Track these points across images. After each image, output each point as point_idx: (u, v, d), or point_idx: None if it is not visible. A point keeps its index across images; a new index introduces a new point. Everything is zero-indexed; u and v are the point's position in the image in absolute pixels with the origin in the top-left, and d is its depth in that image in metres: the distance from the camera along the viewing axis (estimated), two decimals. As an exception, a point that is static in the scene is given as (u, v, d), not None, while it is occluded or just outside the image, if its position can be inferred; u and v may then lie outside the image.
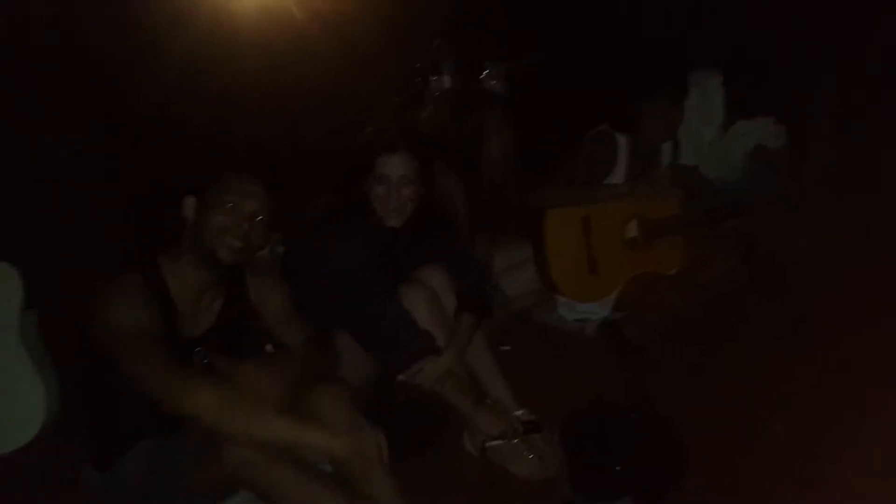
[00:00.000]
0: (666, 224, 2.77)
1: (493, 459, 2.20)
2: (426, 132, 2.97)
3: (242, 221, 1.82)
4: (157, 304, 1.75)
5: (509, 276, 2.88)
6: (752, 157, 2.96)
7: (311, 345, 1.98)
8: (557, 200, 2.71)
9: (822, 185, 2.84)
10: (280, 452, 1.66)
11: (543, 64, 3.75)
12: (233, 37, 2.94)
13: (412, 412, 2.18)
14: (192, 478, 1.68)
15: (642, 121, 2.69)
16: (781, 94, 2.86)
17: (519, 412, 2.28)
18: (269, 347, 2.28)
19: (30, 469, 2.16)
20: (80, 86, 2.88)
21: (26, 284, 2.27)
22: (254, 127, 3.03)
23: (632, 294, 2.76)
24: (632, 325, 2.73)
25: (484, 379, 2.32)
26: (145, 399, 1.64)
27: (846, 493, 1.99)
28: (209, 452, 1.64)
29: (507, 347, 2.60)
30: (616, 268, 2.77)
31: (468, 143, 3.20)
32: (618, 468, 2.08)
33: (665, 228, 2.77)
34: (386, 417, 1.99)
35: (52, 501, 2.01)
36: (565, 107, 3.46)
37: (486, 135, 3.36)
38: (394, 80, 3.56)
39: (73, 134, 2.84)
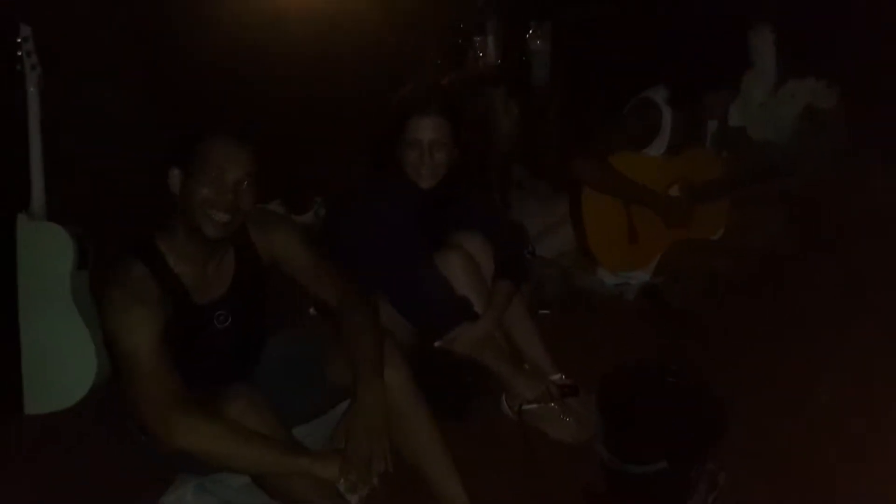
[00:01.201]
0: (709, 188, 2.71)
1: (530, 422, 2.22)
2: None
3: (227, 192, 1.73)
4: (162, 291, 1.73)
5: (545, 238, 2.85)
6: (802, 118, 2.86)
7: (351, 298, 1.95)
8: (591, 180, 2.64)
9: (870, 148, 2.74)
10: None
11: (591, 22, 3.67)
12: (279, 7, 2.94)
13: (449, 377, 2.19)
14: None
15: (701, 97, 2.60)
16: (835, 53, 2.75)
17: (556, 376, 2.28)
18: (311, 311, 2.33)
19: (82, 425, 2.24)
20: (127, 52, 2.92)
21: (78, 245, 2.34)
22: (293, 88, 3.03)
23: (674, 258, 2.71)
24: (673, 290, 2.69)
25: (522, 343, 2.32)
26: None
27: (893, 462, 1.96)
28: None
29: (545, 311, 2.59)
30: (657, 236, 2.72)
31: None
32: (654, 432, 2.09)
33: (708, 193, 2.71)
34: (423, 382, 1.98)
35: (103, 459, 2.07)
36: (612, 69, 3.39)
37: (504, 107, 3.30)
38: (437, 39, 3.53)
39: (124, 97, 2.88)
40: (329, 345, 1.95)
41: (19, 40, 2.30)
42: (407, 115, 2.18)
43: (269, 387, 1.86)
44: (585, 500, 2.02)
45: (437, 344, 2.16)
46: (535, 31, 3.95)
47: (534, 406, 2.22)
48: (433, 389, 2.04)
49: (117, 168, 2.74)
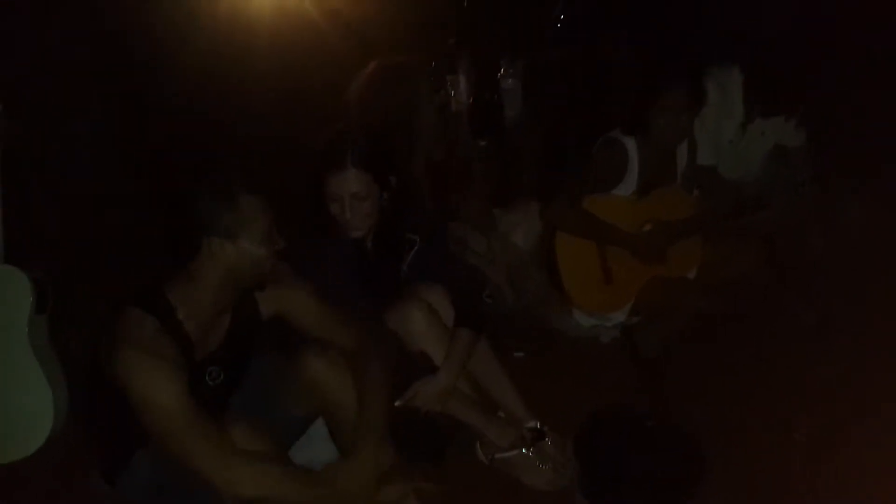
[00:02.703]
0: (681, 226, 2.71)
1: (505, 470, 2.18)
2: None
3: (272, 247, 1.76)
4: (176, 346, 1.69)
5: (513, 233, 2.82)
6: (771, 156, 2.88)
7: (367, 350, 1.94)
8: (565, 226, 2.65)
9: (840, 183, 2.77)
10: None
11: (559, 62, 3.70)
12: (248, 37, 2.91)
13: (424, 423, 2.14)
14: (198, 483, 1.66)
15: (652, 124, 2.60)
16: (801, 92, 2.79)
17: (532, 423, 2.23)
18: None
19: (39, 476, 2.15)
20: (98, 87, 2.87)
21: (37, 290, 2.25)
22: (264, 129, 3.00)
23: (649, 297, 2.69)
24: (648, 330, 2.67)
25: (492, 391, 2.27)
26: None
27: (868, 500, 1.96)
28: None
29: (520, 354, 2.56)
30: (633, 276, 2.70)
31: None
32: (635, 477, 2.05)
33: (681, 230, 2.71)
34: (398, 428, 1.96)
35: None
36: (578, 110, 3.43)
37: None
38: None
39: (87, 135, 2.83)
40: (282, 374, 1.92)
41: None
42: (324, 169, 2.11)
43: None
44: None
45: (396, 403, 2.08)
46: (506, 71, 3.98)
47: (508, 454, 2.18)
48: (409, 435, 2.03)
49: (80, 210, 2.67)
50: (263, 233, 1.73)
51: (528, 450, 2.18)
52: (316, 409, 1.97)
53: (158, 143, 2.87)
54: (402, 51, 2.86)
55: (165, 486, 1.74)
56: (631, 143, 2.66)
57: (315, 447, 2.05)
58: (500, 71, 3.97)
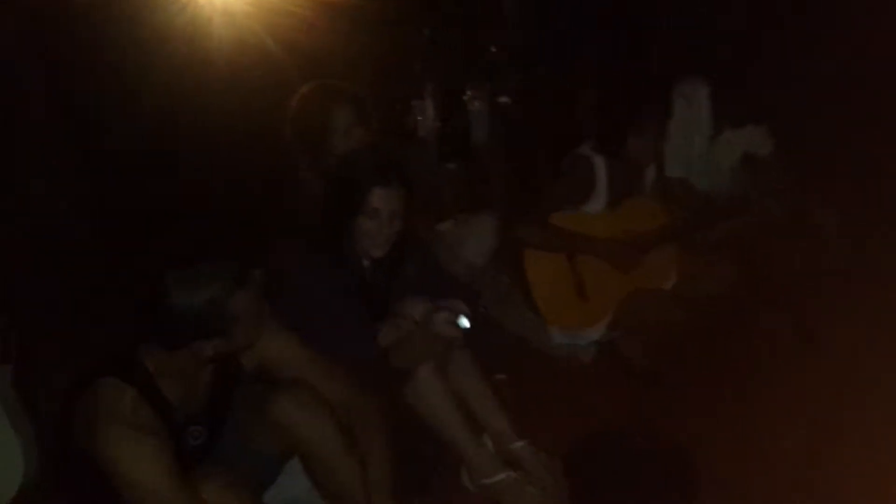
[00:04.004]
0: (655, 235, 2.71)
1: (492, 497, 2.13)
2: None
3: (263, 319, 1.72)
4: (156, 414, 1.64)
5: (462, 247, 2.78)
6: (741, 166, 2.91)
7: (359, 403, 1.90)
8: (535, 243, 2.64)
9: (812, 190, 2.79)
10: None
11: (526, 84, 3.72)
12: (206, 71, 2.89)
13: (410, 450, 2.10)
14: None
15: (625, 142, 2.62)
16: (768, 102, 2.82)
17: (518, 443, 2.20)
18: None
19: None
20: (56, 131, 2.83)
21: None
22: (221, 157, 2.96)
23: (627, 312, 2.68)
24: (629, 345, 2.66)
25: (480, 412, 2.23)
26: None
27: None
28: None
29: (502, 376, 2.53)
30: (606, 290, 2.69)
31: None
32: (624, 497, 2.02)
33: (654, 239, 2.71)
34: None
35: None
36: (547, 128, 3.45)
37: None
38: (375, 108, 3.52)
39: (49, 178, 2.78)
40: (253, 414, 1.85)
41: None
42: (369, 185, 2.10)
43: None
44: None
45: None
46: (472, 94, 4.00)
47: (494, 478, 2.13)
48: (395, 463, 1.96)
49: (43, 255, 2.61)
50: (256, 316, 1.68)
51: (515, 472, 2.13)
52: (288, 449, 1.90)
53: (119, 202, 2.82)
54: (366, 81, 2.86)
55: None
56: (599, 160, 2.66)
57: (296, 485, 1.98)
58: (466, 94, 3.99)
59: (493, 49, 4.14)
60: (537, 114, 3.64)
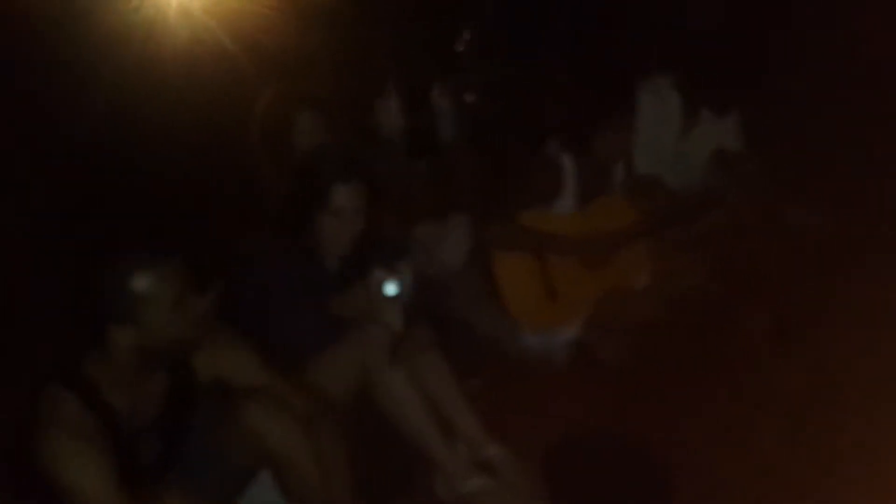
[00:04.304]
0: (625, 233, 2.69)
1: (467, 503, 2.10)
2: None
3: (195, 313, 1.66)
4: (101, 424, 1.61)
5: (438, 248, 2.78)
6: (713, 161, 2.90)
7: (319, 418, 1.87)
8: (503, 243, 2.62)
9: (784, 184, 2.81)
10: None
11: (493, 81, 3.69)
12: (163, 70, 2.82)
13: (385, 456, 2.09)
14: None
15: (592, 140, 2.61)
16: (740, 96, 2.83)
17: (492, 449, 2.18)
18: None
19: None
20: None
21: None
22: (183, 165, 2.89)
23: (600, 312, 2.67)
24: (603, 345, 2.65)
25: (453, 417, 2.21)
26: None
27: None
28: None
29: (475, 381, 2.49)
30: (578, 289, 2.67)
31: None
32: (600, 498, 2.01)
33: (625, 237, 2.69)
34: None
35: None
36: (515, 126, 3.42)
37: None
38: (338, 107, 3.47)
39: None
40: (220, 424, 1.82)
41: None
42: (330, 181, 2.10)
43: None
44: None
45: None
46: (438, 91, 3.95)
47: (469, 485, 2.11)
48: (369, 469, 1.98)
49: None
50: (170, 305, 1.62)
51: (489, 478, 2.11)
52: (258, 459, 1.87)
53: (63, 201, 2.73)
54: (329, 80, 2.82)
55: None
56: (567, 158, 2.65)
57: (266, 494, 1.94)
58: (432, 92, 3.94)
59: (459, 46, 4.11)
60: (505, 111, 3.61)
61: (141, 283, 1.59)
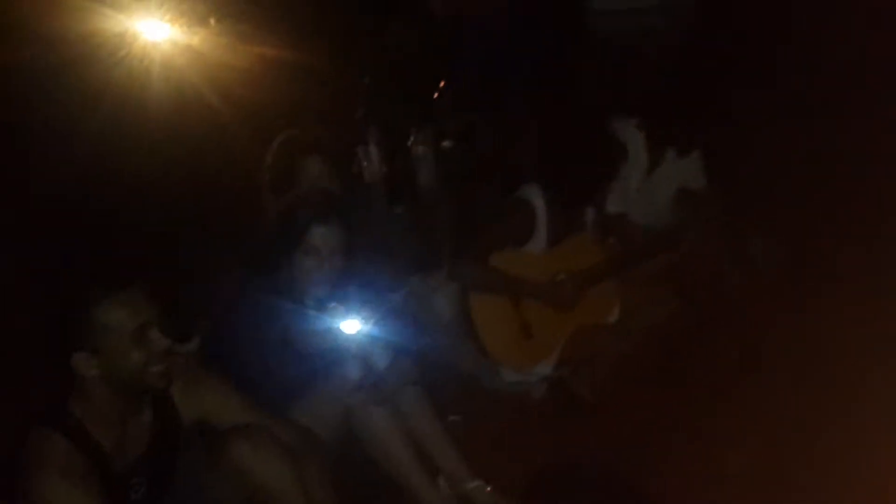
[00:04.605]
0: (595, 271, 2.75)
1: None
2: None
3: (155, 345, 1.67)
4: (89, 462, 1.63)
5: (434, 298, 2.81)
6: (677, 199, 2.99)
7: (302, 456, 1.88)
8: (477, 285, 2.65)
9: (746, 219, 2.88)
10: None
11: (470, 126, 3.77)
12: (143, 121, 2.87)
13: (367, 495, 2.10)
14: None
15: (566, 183, 2.66)
16: (702, 136, 2.92)
17: (473, 484, 2.19)
18: None
19: None
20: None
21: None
22: (163, 208, 2.94)
23: (574, 348, 2.71)
24: (578, 380, 2.69)
25: (435, 453, 2.24)
26: None
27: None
28: None
29: (455, 417, 2.53)
30: (552, 326, 2.72)
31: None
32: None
33: (595, 275, 2.75)
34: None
35: None
36: (490, 170, 3.50)
37: None
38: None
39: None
40: (207, 462, 1.84)
41: None
42: (307, 222, 2.14)
43: None
44: None
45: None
46: (416, 138, 4.04)
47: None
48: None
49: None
50: (130, 335, 1.63)
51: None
52: (246, 497, 1.87)
53: (46, 241, 2.77)
54: (309, 128, 2.87)
55: None
56: (539, 202, 2.70)
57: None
58: (410, 139, 4.03)
59: (436, 95, 4.21)
60: (480, 156, 3.69)
61: (100, 310, 1.61)
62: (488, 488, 2.21)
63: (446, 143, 4.05)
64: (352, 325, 2.17)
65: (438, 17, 3.64)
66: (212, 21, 3.01)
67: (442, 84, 4.12)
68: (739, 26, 3.75)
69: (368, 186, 3.58)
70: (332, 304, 2.19)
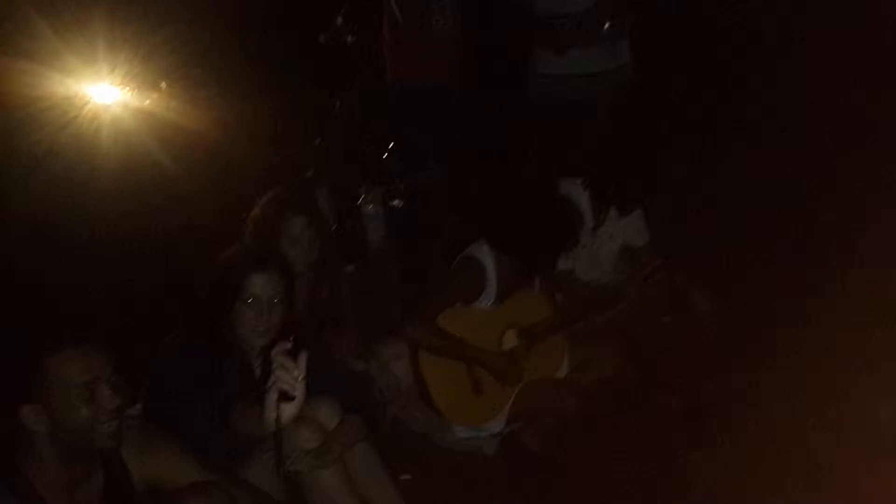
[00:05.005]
0: (543, 327, 2.80)
1: None
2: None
3: (105, 402, 1.64)
4: None
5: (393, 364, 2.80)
6: (621, 256, 3.08)
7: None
8: (424, 346, 2.65)
9: (689, 276, 2.97)
10: None
11: (420, 186, 3.83)
12: (92, 182, 2.86)
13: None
14: None
15: (517, 243, 2.69)
16: (644, 196, 3.03)
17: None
18: None
19: None
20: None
21: None
22: (116, 261, 2.91)
23: (523, 403, 2.74)
24: (528, 434, 2.71)
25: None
26: None
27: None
28: None
29: (407, 476, 2.51)
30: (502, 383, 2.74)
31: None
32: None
33: (543, 332, 2.79)
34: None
35: None
36: (439, 229, 3.55)
37: None
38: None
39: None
40: None
41: None
42: (244, 271, 2.13)
43: None
44: None
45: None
46: (366, 197, 4.10)
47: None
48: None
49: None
50: (77, 390, 1.61)
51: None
52: None
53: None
54: (259, 187, 2.89)
55: None
56: (489, 259, 2.72)
57: None
58: (360, 198, 4.09)
59: (385, 154, 4.29)
60: (429, 215, 3.75)
61: (51, 362, 1.60)
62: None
63: (396, 202, 4.12)
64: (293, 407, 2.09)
65: (388, 85, 3.72)
66: (163, 85, 3.03)
67: (391, 145, 4.22)
68: (679, 90, 3.93)
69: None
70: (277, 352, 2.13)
